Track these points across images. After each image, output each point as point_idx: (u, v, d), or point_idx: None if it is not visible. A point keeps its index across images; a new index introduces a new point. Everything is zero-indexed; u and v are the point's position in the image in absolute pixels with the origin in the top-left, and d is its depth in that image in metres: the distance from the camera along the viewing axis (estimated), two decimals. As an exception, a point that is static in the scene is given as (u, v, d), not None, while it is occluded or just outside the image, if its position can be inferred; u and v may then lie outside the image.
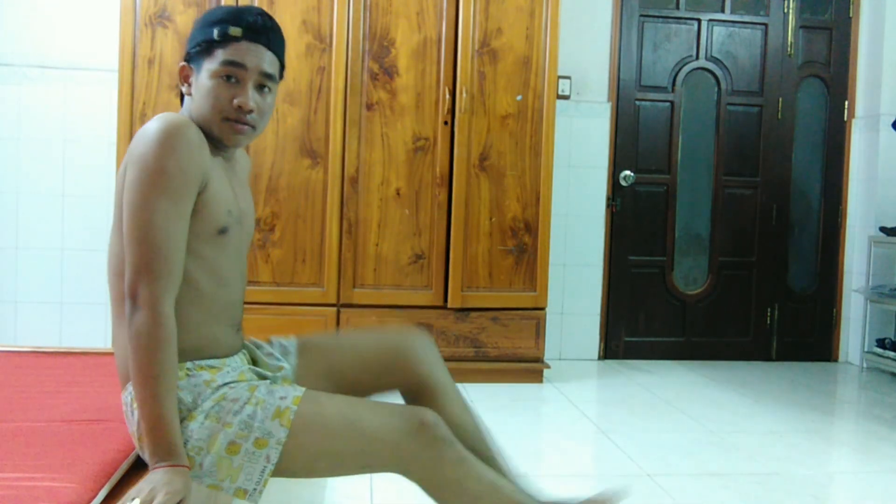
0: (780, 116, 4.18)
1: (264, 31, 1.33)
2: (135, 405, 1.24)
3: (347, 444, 1.25)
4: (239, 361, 1.39)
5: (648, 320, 4.11)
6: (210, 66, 1.31)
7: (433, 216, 3.29)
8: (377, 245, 3.27)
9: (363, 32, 3.22)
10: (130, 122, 3.13)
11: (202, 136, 1.29)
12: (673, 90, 4.08)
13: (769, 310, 4.21)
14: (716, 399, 3.29)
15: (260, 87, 1.34)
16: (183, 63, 1.36)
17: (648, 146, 4.07)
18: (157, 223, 1.20)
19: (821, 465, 2.48)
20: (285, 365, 1.47)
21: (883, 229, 3.93)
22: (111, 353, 2.23)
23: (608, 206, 4.01)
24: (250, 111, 1.32)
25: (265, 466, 1.22)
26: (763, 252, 4.20)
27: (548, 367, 3.41)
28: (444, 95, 3.26)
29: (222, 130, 1.32)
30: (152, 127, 1.24)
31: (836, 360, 4.26)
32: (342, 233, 3.24)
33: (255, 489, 1.22)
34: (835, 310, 4.27)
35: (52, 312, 3.59)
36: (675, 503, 2.07)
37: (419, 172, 3.28)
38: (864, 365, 4.06)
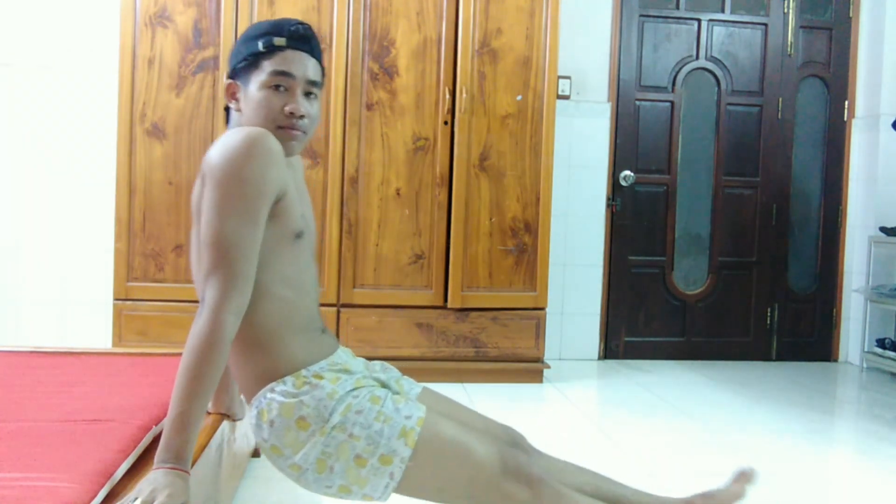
0: (780, 116, 4.18)
1: (307, 39, 1.38)
2: (260, 418, 1.29)
3: (458, 469, 1.31)
4: (345, 356, 1.42)
5: (648, 320, 4.11)
6: (259, 77, 1.35)
7: (433, 216, 3.29)
8: (377, 245, 3.26)
9: (363, 32, 3.22)
10: (130, 122, 3.14)
11: (280, 145, 1.31)
12: (673, 90, 4.08)
13: (769, 310, 4.21)
14: (716, 399, 3.29)
15: (307, 95, 1.38)
16: (229, 81, 1.39)
17: (648, 146, 4.07)
18: (229, 230, 1.22)
19: (821, 465, 2.48)
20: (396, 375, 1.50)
21: (883, 229, 3.93)
22: (111, 353, 2.23)
23: (608, 206, 4.01)
24: (302, 117, 1.36)
25: (388, 483, 1.28)
26: (763, 252, 4.20)
27: (548, 367, 3.41)
28: (444, 95, 3.26)
29: (277, 138, 1.34)
30: (235, 137, 1.26)
31: (836, 360, 4.26)
32: (342, 233, 3.24)
33: (380, 497, 1.30)
34: (835, 310, 4.27)
35: (52, 312, 3.59)
36: (675, 503, 2.07)
37: (419, 172, 3.28)
38: (864, 365, 4.06)
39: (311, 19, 3.18)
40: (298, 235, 1.35)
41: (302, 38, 1.37)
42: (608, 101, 3.99)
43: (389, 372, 1.51)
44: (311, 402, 1.28)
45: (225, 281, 1.21)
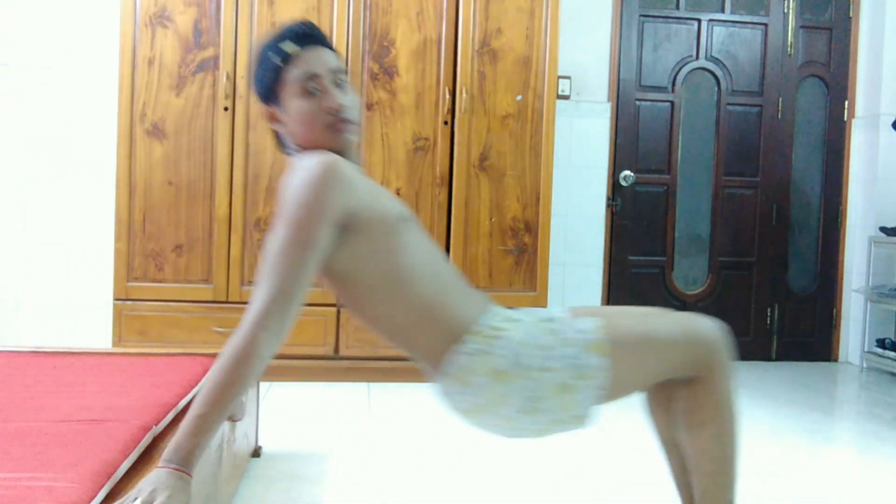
0: (780, 116, 4.18)
1: (313, 34, 1.38)
2: (456, 383, 1.32)
3: (651, 355, 1.40)
4: (503, 309, 1.44)
5: (648, 320, 4.10)
6: (289, 90, 1.35)
7: (433, 216, 3.29)
8: (377, 245, 3.26)
9: (363, 32, 3.22)
10: (130, 122, 3.14)
11: (353, 166, 1.32)
12: (673, 90, 4.08)
13: (769, 310, 4.21)
14: (716, 399, 3.28)
15: (337, 85, 1.37)
16: (266, 108, 1.40)
17: (648, 146, 4.07)
18: (287, 253, 1.23)
19: (821, 465, 2.48)
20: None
21: (883, 229, 3.94)
22: (111, 353, 2.23)
23: (608, 206, 4.01)
24: (342, 107, 1.35)
25: (597, 395, 1.34)
26: (763, 252, 4.20)
27: (548, 367, 3.41)
28: (444, 95, 3.26)
29: (331, 139, 1.35)
30: (305, 166, 1.27)
31: (836, 360, 4.26)
32: (342, 233, 3.24)
33: (588, 413, 1.36)
34: (835, 310, 4.27)
35: (52, 312, 3.59)
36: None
37: (419, 172, 3.28)
38: (864, 365, 4.05)
39: (311, 19, 3.17)
40: (403, 219, 1.36)
41: (308, 35, 1.37)
42: (608, 101, 3.99)
43: (549, 310, 1.54)
44: (501, 352, 1.31)
45: (271, 300, 1.20)
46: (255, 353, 1.18)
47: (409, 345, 1.39)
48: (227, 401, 1.18)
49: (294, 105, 1.35)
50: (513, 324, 1.37)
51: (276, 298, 1.21)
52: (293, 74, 1.34)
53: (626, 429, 2.81)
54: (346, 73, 1.41)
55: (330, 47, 1.40)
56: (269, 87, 1.37)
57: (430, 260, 1.38)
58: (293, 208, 1.24)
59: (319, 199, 1.24)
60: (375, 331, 1.41)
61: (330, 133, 1.35)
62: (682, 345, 1.41)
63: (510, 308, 1.50)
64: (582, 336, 1.36)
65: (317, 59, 1.35)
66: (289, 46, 1.34)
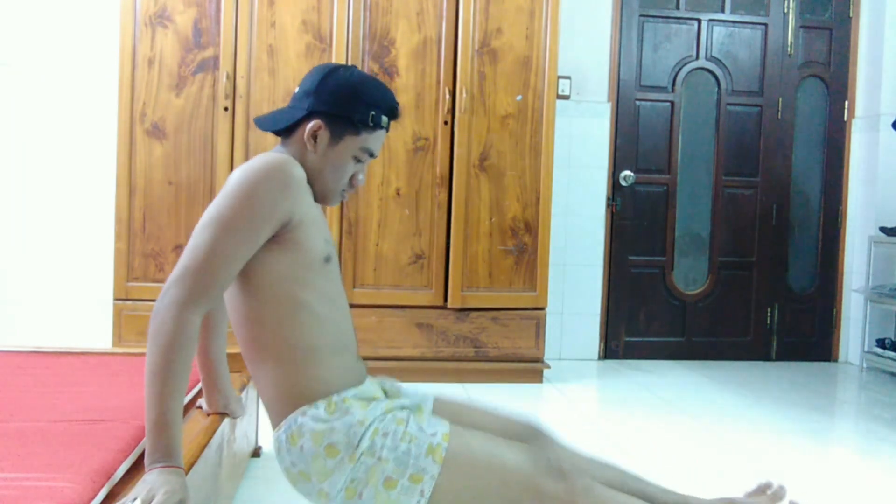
0: (780, 116, 4.18)
1: (397, 119, 1.47)
2: (290, 443, 1.29)
3: (490, 477, 1.31)
4: (374, 388, 1.41)
5: (648, 320, 4.11)
6: (351, 145, 1.40)
7: (433, 216, 3.29)
8: (377, 245, 3.26)
9: (363, 32, 3.22)
10: (130, 121, 3.13)
11: (303, 174, 1.34)
12: (673, 90, 4.08)
13: (769, 310, 4.21)
14: (716, 399, 3.29)
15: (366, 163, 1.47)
16: (318, 121, 1.38)
17: (648, 146, 4.07)
18: (222, 239, 1.22)
19: (821, 465, 2.48)
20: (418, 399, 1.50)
21: (883, 229, 3.93)
22: (111, 353, 2.23)
23: (608, 206, 4.01)
24: (359, 185, 1.48)
25: (419, 500, 1.28)
26: (763, 252, 4.20)
27: (548, 367, 3.41)
28: (444, 95, 3.26)
29: (334, 196, 1.44)
30: (262, 160, 1.29)
31: (836, 360, 4.26)
32: (342, 233, 3.24)
33: None
34: (835, 310, 4.27)
35: (53, 312, 3.59)
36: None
37: (419, 172, 3.28)
38: (864, 365, 4.05)
39: (311, 19, 3.18)
40: (327, 259, 1.38)
41: (395, 119, 1.45)
42: (608, 101, 3.99)
43: (413, 398, 1.50)
44: (342, 429, 1.28)
45: (199, 283, 1.20)
46: (192, 335, 1.19)
47: (265, 380, 1.33)
48: (179, 389, 1.18)
49: (341, 157, 1.40)
50: (368, 403, 1.33)
51: (209, 287, 1.21)
52: (366, 139, 1.40)
53: (625, 430, 2.81)
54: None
55: None
56: (339, 120, 1.38)
57: (332, 309, 1.37)
58: (243, 200, 1.23)
59: (271, 197, 1.25)
60: (243, 347, 1.35)
61: (334, 193, 1.43)
62: (528, 479, 1.31)
63: (390, 380, 1.48)
64: (426, 437, 1.30)
65: (380, 142, 1.45)
66: (385, 122, 1.41)
